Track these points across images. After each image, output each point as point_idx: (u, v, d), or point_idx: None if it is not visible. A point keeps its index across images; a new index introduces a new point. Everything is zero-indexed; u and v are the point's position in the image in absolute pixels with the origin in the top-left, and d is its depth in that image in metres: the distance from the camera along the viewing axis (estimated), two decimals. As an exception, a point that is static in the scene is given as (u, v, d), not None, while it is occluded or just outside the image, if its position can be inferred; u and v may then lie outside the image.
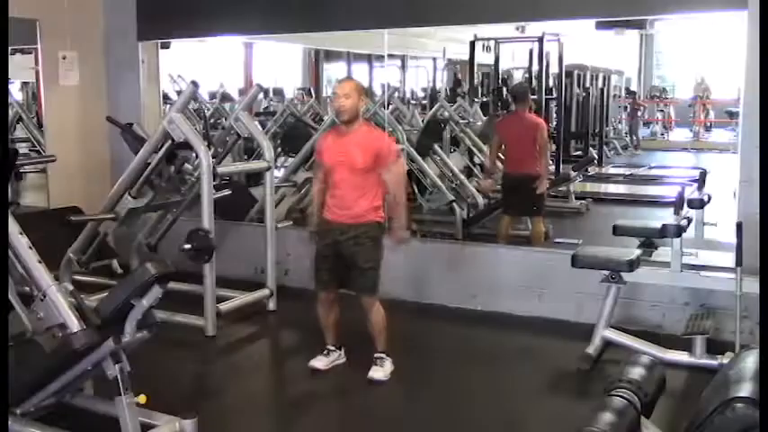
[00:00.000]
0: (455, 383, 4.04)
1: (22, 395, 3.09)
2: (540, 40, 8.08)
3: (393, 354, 4.06)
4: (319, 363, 4.12)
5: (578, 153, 10.00)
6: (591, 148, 10.17)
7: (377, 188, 3.93)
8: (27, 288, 3.08)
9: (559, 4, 4.91)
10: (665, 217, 4.48)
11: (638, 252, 4.28)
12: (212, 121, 7.65)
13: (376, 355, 4.04)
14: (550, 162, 6.38)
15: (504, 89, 8.85)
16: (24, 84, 6.77)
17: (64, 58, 6.05)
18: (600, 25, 7.37)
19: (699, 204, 4.90)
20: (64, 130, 6.14)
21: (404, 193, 4.05)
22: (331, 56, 9.44)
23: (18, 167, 5.77)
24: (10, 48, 5.89)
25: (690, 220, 4.57)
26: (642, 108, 12.70)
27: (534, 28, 7.75)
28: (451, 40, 8.77)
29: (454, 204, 6.74)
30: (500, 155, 6.22)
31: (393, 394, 3.83)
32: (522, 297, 5.02)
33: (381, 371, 3.99)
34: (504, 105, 8.77)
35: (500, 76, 8.82)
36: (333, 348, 4.17)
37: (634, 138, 12.33)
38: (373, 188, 3.92)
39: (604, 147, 10.81)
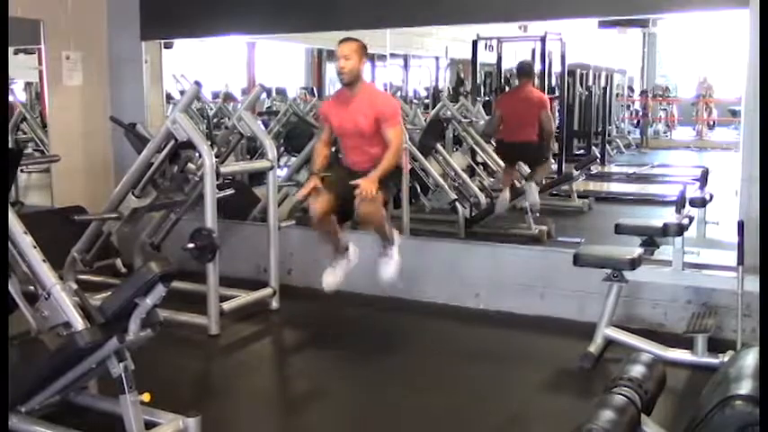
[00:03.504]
0: (456, 381, 4.05)
1: (28, 393, 3.11)
2: (543, 39, 8.08)
3: (394, 352, 4.07)
4: (330, 277, 4.26)
5: (581, 152, 10.01)
6: (594, 147, 10.17)
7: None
8: (32, 287, 3.10)
9: (562, 3, 4.91)
10: (667, 216, 4.49)
11: (639, 251, 4.28)
12: (215, 120, 7.66)
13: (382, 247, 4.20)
14: (554, 148, 6.48)
15: (507, 88, 8.86)
16: (28, 84, 6.79)
17: (68, 58, 6.07)
18: (602, 24, 7.39)
19: (701, 203, 4.91)
20: (67, 130, 6.15)
21: (394, 157, 4.02)
22: (334, 55, 9.44)
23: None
24: (14, 48, 5.94)
25: (692, 219, 4.58)
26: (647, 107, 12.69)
27: (537, 27, 7.74)
28: (454, 40, 8.77)
29: (456, 203, 6.75)
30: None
31: (396, 392, 3.84)
32: (524, 296, 5.03)
33: (392, 262, 4.18)
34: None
35: (503, 76, 8.82)
36: (341, 257, 4.26)
37: (644, 136, 12.33)
38: (383, 142, 4.04)
39: (607, 146, 10.81)
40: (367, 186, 3.90)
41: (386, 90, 6.81)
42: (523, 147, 6.07)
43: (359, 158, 4.07)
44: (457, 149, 7.81)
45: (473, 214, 6.91)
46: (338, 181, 4.11)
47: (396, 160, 4.03)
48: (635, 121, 13.04)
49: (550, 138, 6.13)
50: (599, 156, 10.02)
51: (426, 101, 9.40)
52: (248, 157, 7.17)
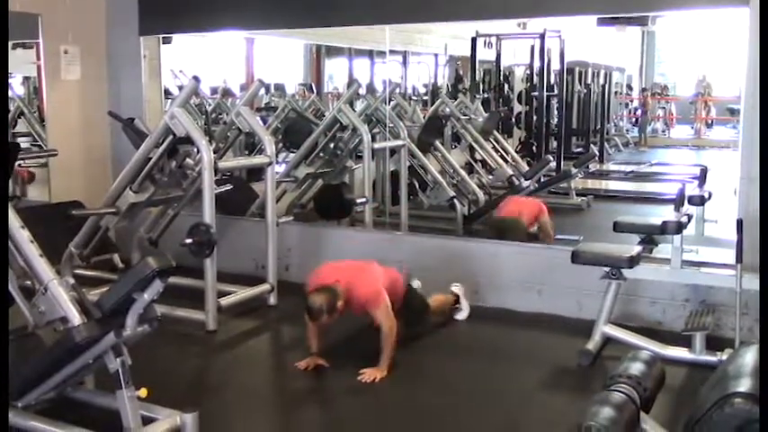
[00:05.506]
0: (455, 379, 4.05)
1: (24, 388, 3.10)
2: (542, 36, 8.06)
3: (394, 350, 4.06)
4: None
5: (579, 150, 9.99)
6: (592, 145, 10.16)
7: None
8: (28, 282, 3.09)
9: (561, 0, 4.91)
10: (666, 214, 4.48)
11: (638, 249, 4.29)
12: (214, 116, 7.64)
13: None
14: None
15: (506, 85, 8.85)
16: (26, 78, 6.76)
17: (66, 53, 6.05)
18: (601, 22, 7.36)
19: (699, 201, 4.90)
20: (65, 125, 6.14)
21: (392, 337, 3.94)
22: (332, 51, 9.42)
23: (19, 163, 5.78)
24: (11, 42, 5.91)
25: (690, 217, 4.57)
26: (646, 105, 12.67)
27: (536, 24, 7.73)
28: (453, 37, 8.75)
29: (455, 200, 6.75)
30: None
31: (394, 389, 3.83)
32: (523, 293, 5.03)
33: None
34: (506, 101, 8.79)
35: (501, 73, 8.81)
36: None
37: (642, 134, 12.30)
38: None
39: (605, 143, 10.80)
40: (374, 374, 3.89)
41: (385, 84, 6.82)
42: None
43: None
44: (455, 146, 7.80)
45: (471, 211, 6.90)
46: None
47: (392, 335, 3.94)
48: (633, 119, 13.03)
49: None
50: (597, 154, 9.99)
51: (425, 98, 9.39)
52: (246, 152, 7.16)
